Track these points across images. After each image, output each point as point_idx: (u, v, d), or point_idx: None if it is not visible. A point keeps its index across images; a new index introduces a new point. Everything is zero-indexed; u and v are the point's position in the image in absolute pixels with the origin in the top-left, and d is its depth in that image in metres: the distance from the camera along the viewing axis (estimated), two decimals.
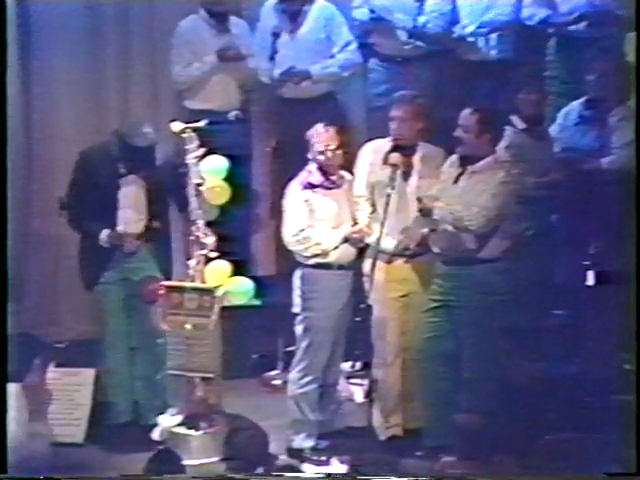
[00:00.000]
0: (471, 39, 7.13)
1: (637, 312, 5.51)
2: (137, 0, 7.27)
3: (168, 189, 6.17)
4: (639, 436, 5.27)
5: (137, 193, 6.15)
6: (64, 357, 6.58)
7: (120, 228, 6.15)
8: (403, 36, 7.16)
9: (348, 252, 6.01)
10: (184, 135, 5.93)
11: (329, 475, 5.78)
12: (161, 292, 5.92)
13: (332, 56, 7.12)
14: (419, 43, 7.14)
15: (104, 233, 6.10)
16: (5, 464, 4.76)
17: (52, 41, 7.16)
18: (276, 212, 6.53)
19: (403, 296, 6.08)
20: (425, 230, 5.98)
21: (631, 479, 5.25)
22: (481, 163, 5.83)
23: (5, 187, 5.07)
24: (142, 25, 7.32)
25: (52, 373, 6.24)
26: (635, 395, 5.42)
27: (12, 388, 5.68)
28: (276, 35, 6.85)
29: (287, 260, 6.25)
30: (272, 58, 6.78)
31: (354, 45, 7.13)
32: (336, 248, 5.96)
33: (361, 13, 7.21)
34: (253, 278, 6.06)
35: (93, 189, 6.09)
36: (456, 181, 5.89)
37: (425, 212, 5.88)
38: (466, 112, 5.83)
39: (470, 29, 7.15)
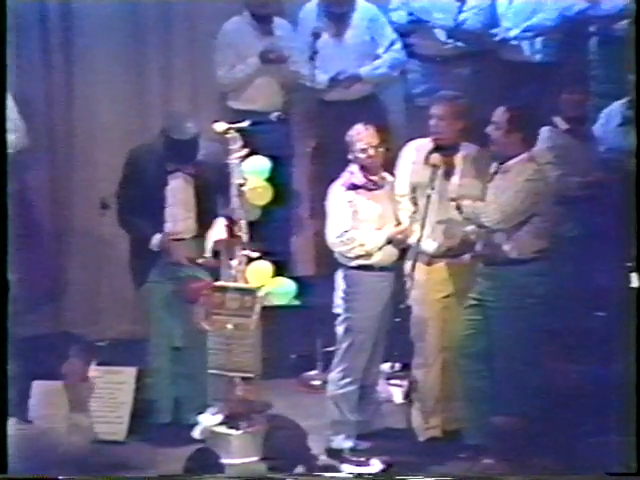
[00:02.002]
0: (514, 42, 7.12)
1: (637, 312, 5.52)
2: (180, 1, 7.31)
3: (215, 188, 6.16)
4: (639, 436, 5.25)
5: (185, 191, 6.17)
6: (105, 356, 6.60)
7: (169, 225, 6.16)
8: (442, 36, 7.18)
9: (391, 253, 6.00)
10: (227, 135, 5.93)
11: (364, 475, 5.77)
12: (204, 292, 5.92)
13: (377, 57, 7.15)
14: (459, 43, 7.14)
15: (156, 238, 6.13)
16: (5, 464, 4.75)
17: (95, 42, 7.19)
18: (316, 212, 6.55)
19: (445, 297, 6.08)
20: (465, 230, 5.97)
21: (631, 479, 5.22)
22: (513, 161, 5.83)
23: (5, 188, 5.06)
24: (184, 26, 7.34)
25: (94, 372, 6.30)
26: (635, 395, 5.40)
27: (53, 386, 5.76)
28: (316, 36, 6.85)
29: (326, 260, 6.25)
30: (312, 59, 6.78)
31: (399, 44, 7.16)
32: (380, 249, 5.95)
33: (399, 15, 7.22)
34: (292, 278, 6.05)
35: (142, 188, 6.13)
36: (491, 180, 5.91)
37: (460, 211, 5.91)
38: (500, 110, 5.84)
39: (514, 32, 7.14)
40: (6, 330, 5.19)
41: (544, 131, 6.59)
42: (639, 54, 5.76)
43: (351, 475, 5.79)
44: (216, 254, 6.01)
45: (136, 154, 6.25)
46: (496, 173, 5.90)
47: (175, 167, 6.16)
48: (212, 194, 6.21)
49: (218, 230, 6.01)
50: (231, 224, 5.94)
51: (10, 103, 6.71)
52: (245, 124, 5.98)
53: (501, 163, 5.88)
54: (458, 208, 5.89)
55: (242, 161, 5.92)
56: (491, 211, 5.78)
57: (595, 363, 6.42)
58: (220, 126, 5.95)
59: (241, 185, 5.90)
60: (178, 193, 6.18)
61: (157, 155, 6.14)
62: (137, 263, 6.28)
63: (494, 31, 7.15)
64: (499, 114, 5.83)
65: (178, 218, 6.20)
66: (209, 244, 6.04)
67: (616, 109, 6.80)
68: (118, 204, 6.28)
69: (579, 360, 6.46)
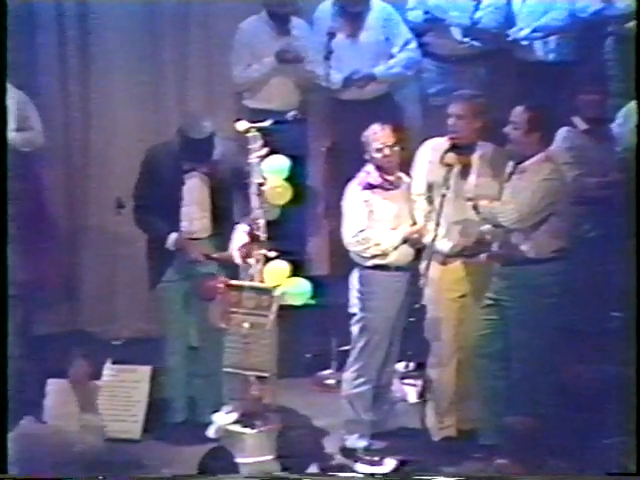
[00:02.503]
0: (525, 42, 7.11)
1: (638, 310, 5.51)
2: (197, 1, 7.28)
3: (231, 187, 6.15)
4: (639, 436, 5.22)
5: (201, 190, 6.15)
6: (121, 354, 6.62)
7: (184, 225, 6.14)
8: (458, 35, 7.16)
9: (406, 253, 5.98)
10: (248, 135, 5.91)
11: (377, 476, 5.75)
12: (219, 288, 5.90)
13: (392, 56, 7.13)
14: (475, 42, 7.12)
15: (171, 237, 6.11)
16: (5, 464, 4.75)
17: (112, 42, 7.20)
18: (331, 212, 6.54)
19: (461, 297, 6.06)
20: (482, 230, 5.95)
21: (631, 479, 5.20)
22: (529, 161, 5.81)
23: (6, 187, 5.06)
24: (201, 26, 7.32)
25: (109, 370, 6.32)
26: (635, 395, 5.38)
27: (67, 384, 5.79)
28: (332, 35, 6.83)
29: (341, 260, 6.24)
30: (327, 58, 6.75)
31: (414, 43, 7.15)
32: (395, 249, 5.93)
33: (415, 15, 7.21)
34: (308, 277, 6.02)
35: (158, 188, 6.10)
36: (508, 179, 5.90)
37: (477, 212, 5.89)
38: (518, 109, 5.83)
39: (525, 32, 7.12)
40: (6, 330, 5.16)
41: (562, 131, 6.57)
42: (639, 54, 5.74)
43: (364, 475, 5.76)
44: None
45: (152, 153, 6.23)
46: (513, 173, 5.88)
47: (191, 166, 6.14)
48: (228, 193, 6.19)
49: (239, 237, 5.98)
50: (251, 230, 5.93)
51: (27, 101, 6.75)
52: (267, 123, 5.96)
53: (518, 163, 5.87)
54: (475, 208, 5.87)
55: (262, 160, 5.90)
56: (508, 211, 5.77)
57: (611, 364, 6.39)
58: (242, 125, 5.93)
59: (261, 185, 5.89)
60: (194, 192, 6.16)
61: (173, 154, 6.12)
62: (153, 263, 6.25)
63: (507, 32, 7.13)
64: (518, 114, 5.81)
65: (194, 217, 6.18)
66: (235, 254, 6.00)
67: (633, 109, 6.77)
68: (134, 203, 6.26)
69: (595, 360, 6.42)
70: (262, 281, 5.88)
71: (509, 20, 7.21)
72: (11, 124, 6.48)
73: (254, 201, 5.89)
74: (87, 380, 5.26)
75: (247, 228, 5.94)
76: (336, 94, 7.05)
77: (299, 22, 7.17)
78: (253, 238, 5.92)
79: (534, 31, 7.11)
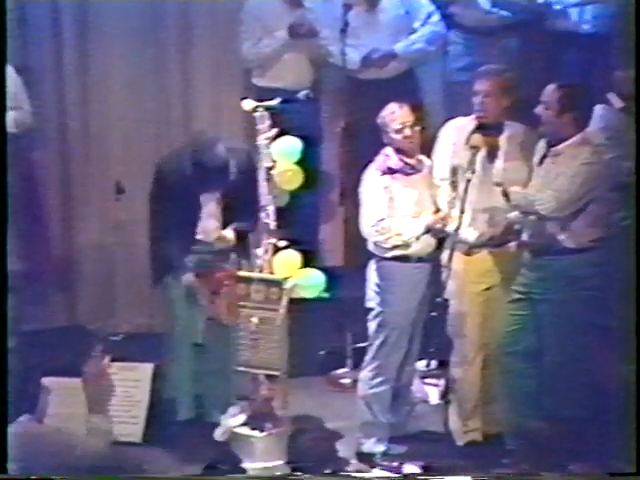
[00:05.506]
0: (558, 7, 6.87)
1: (637, 311, 5.39)
2: None
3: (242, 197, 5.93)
4: (639, 436, 5.08)
5: (214, 205, 5.94)
6: (120, 351, 6.37)
7: (200, 237, 5.95)
8: (486, 5, 6.93)
9: (429, 243, 5.78)
10: (255, 114, 5.72)
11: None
12: (227, 282, 5.74)
13: (413, 31, 6.91)
14: (504, 12, 6.91)
15: (186, 279, 5.87)
16: (5, 464, 4.64)
17: (111, 17, 6.96)
18: (346, 198, 6.37)
19: (486, 289, 5.83)
20: (510, 217, 5.70)
21: (631, 479, 5.10)
22: (565, 144, 5.56)
23: (6, 186, 4.90)
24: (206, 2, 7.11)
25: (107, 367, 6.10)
26: (635, 395, 5.27)
27: (65, 383, 5.55)
28: (348, 7, 6.62)
29: (357, 250, 6.10)
30: (343, 31, 6.54)
31: (437, 16, 6.92)
32: (418, 239, 5.73)
33: None
34: (321, 269, 5.85)
35: (172, 213, 5.85)
36: (541, 163, 5.64)
37: (506, 197, 5.64)
38: (550, 88, 5.58)
39: None
40: (6, 328, 5.05)
41: (597, 109, 6.31)
42: (639, 53, 5.60)
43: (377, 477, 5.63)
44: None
45: (163, 170, 5.95)
46: (545, 157, 5.62)
47: (204, 191, 5.91)
48: (241, 205, 5.95)
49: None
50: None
51: (15, 77, 6.46)
52: (274, 102, 5.76)
53: (551, 146, 5.59)
54: (505, 195, 5.63)
55: (271, 142, 5.71)
56: (546, 198, 5.51)
57: None
58: (248, 104, 5.75)
59: (269, 168, 5.70)
60: (209, 209, 5.91)
61: (186, 179, 5.83)
62: (158, 268, 6.04)
63: None
64: (549, 93, 5.56)
65: (210, 229, 5.93)
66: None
67: None
68: (151, 233, 5.99)
69: (630, 359, 6.14)
70: (272, 272, 5.71)
71: None
72: None
73: (262, 186, 5.69)
74: (103, 379, 5.04)
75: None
76: (353, 73, 6.83)
77: None
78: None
79: None
